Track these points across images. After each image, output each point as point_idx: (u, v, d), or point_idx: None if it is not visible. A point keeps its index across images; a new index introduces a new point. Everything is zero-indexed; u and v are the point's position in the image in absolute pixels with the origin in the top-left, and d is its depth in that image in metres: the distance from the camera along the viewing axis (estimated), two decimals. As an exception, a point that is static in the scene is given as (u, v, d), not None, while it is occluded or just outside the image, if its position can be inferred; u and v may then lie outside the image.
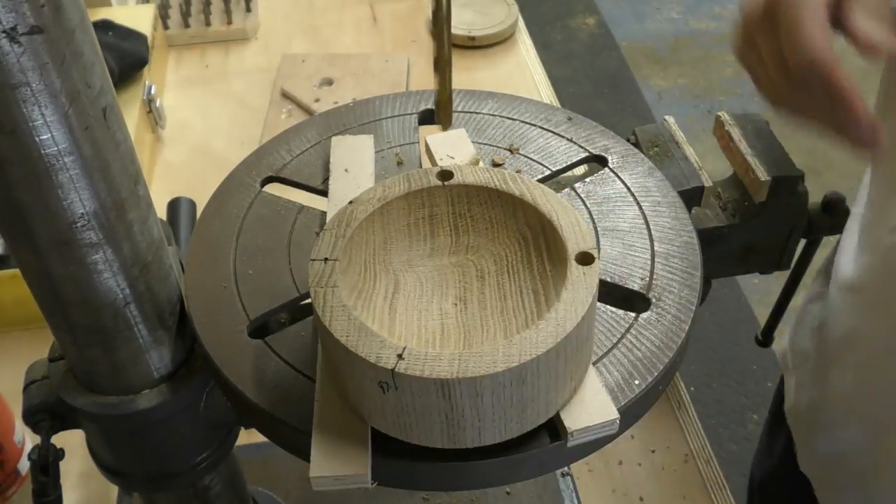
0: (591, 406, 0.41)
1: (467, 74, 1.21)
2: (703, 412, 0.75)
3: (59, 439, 0.51)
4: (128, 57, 1.07)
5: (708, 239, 0.70)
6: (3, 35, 0.33)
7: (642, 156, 0.56)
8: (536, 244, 0.44)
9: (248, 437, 0.55)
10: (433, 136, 0.56)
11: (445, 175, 0.46)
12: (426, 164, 0.57)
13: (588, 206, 0.53)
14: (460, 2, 1.30)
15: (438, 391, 0.37)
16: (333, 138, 0.57)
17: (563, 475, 0.75)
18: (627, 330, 0.45)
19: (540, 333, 0.37)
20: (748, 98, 2.75)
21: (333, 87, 1.17)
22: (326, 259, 0.41)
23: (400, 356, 0.37)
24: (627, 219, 0.52)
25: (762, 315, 2.04)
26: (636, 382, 0.43)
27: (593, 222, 0.52)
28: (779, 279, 0.81)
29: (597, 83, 2.90)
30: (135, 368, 0.47)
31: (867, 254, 0.65)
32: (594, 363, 0.44)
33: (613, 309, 0.47)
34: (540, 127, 0.59)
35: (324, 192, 0.54)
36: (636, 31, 3.14)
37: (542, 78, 1.22)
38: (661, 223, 0.51)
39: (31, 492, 0.51)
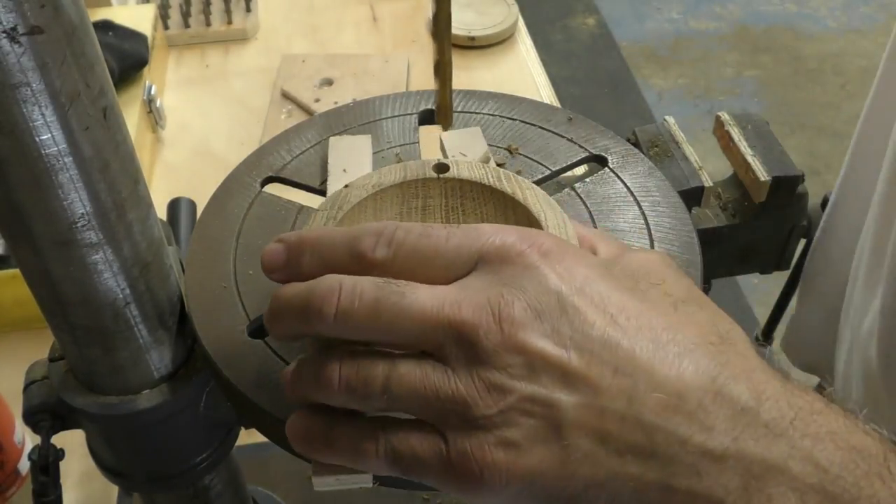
0: None
1: (467, 74, 1.21)
2: (703, 412, 0.75)
3: (59, 439, 0.51)
4: (128, 57, 1.07)
5: (708, 239, 0.70)
6: (3, 35, 0.33)
7: (642, 156, 0.56)
8: None
9: (248, 437, 0.55)
10: (448, 133, 0.56)
11: (441, 168, 0.46)
12: None
13: (588, 206, 0.53)
14: (460, 2, 1.30)
15: None
16: (331, 139, 0.57)
17: (563, 475, 0.75)
18: (627, 330, 0.45)
19: None
20: (748, 98, 2.76)
21: (333, 87, 1.17)
22: None
23: None
24: (627, 219, 0.52)
25: (762, 315, 2.04)
26: (636, 382, 0.43)
27: (593, 222, 0.52)
28: (779, 279, 0.81)
29: (597, 83, 2.91)
30: (135, 368, 0.47)
31: None
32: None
33: (613, 309, 0.47)
34: (540, 127, 0.59)
35: (324, 193, 0.54)
36: (636, 31, 3.14)
37: (542, 78, 1.22)
38: (661, 223, 0.51)
39: (31, 492, 0.51)
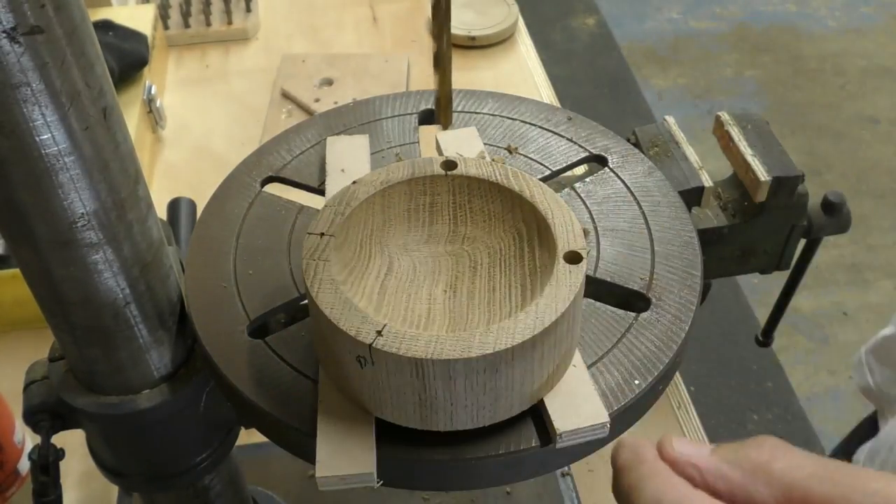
0: (582, 408, 0.41)
1: (467, 74, 1.21)
2: (703, 412, 0.75)
3: (59, 439, 0.51)
4: (128, 57, 1.07)
5: (708, 239, 0.70)
6: (4, 35, 0.33)
7: (642, 156, 0.56)
8: (530, 240, 0.44)
9: (248, 437, 0.55)
10: (444, 133, 0.56)
11: (450, 165, 0.47)
12: None
13: (588, 205, 0.53)
14: (460, 2, 1.30)
15: (412, 370, 0.37)
16: (328, 139, 0.57)
17: (563, 475, 0.75)
18: (627, 330, 0.45)
19: (518, 324, 0.38)
20: (748, 98, 2.76)
21: (333, 87, 1.17)
22: (322, 234, 0.42)
23: (379, 332, 0.38)
24: (627, 219, 0.52)
25: (762, 315, 2.04)
26: (636, 382, 0.43)
27: (593, 222, 0.52)
28: (779, 279, 0.81)
29: (597, 83, 2.91)
30: (135, 368, 0.47)
31: None
32: (593, 363, 0.44)
33: (613, 309, 0.47)
34: (540, 127, 0.59)
35: (323, 193, 0.54)
36: (636, 31, 3.14)
37: (542, 78, 1.22)
38: (661, 223, 0.51)
39: (31, 492, 0.51)
